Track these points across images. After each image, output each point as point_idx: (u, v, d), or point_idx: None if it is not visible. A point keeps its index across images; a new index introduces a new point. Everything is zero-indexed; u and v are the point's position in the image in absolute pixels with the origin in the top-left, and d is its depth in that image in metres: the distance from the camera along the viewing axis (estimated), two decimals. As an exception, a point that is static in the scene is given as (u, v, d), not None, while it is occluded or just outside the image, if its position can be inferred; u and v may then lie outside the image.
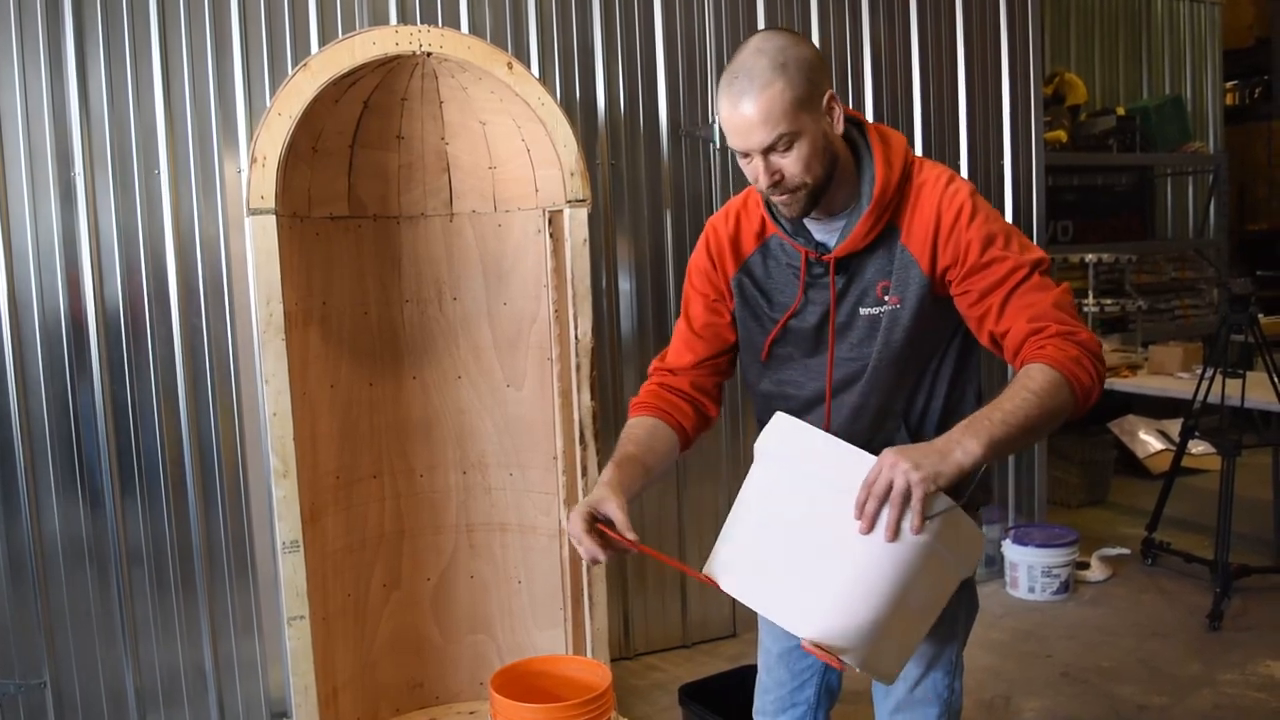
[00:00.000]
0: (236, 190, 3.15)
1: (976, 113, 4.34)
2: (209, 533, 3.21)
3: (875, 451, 1.71)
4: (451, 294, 3.05)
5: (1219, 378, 4.31)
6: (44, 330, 3.01)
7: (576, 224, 2.87)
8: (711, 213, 3.82)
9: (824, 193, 1.71)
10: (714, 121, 3.80)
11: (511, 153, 2.96)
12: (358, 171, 2.95)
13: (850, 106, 1.71)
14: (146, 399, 3.12)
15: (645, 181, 3.73)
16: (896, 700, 1.93)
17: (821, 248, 1.77)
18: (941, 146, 4.29)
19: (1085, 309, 5.70)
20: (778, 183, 1.67)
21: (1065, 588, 4.29)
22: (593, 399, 2.90)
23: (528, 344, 3.02)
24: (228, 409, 3.20)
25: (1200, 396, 4.40)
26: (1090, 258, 5.75)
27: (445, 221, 3.03)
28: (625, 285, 3.74)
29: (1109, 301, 5.81)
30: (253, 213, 2.58)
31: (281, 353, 2.60)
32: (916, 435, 1.82)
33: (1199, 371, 4.55)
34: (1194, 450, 5.55)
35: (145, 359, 3.11)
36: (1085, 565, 4.48)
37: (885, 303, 1.74)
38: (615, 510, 1.64)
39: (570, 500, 2.94)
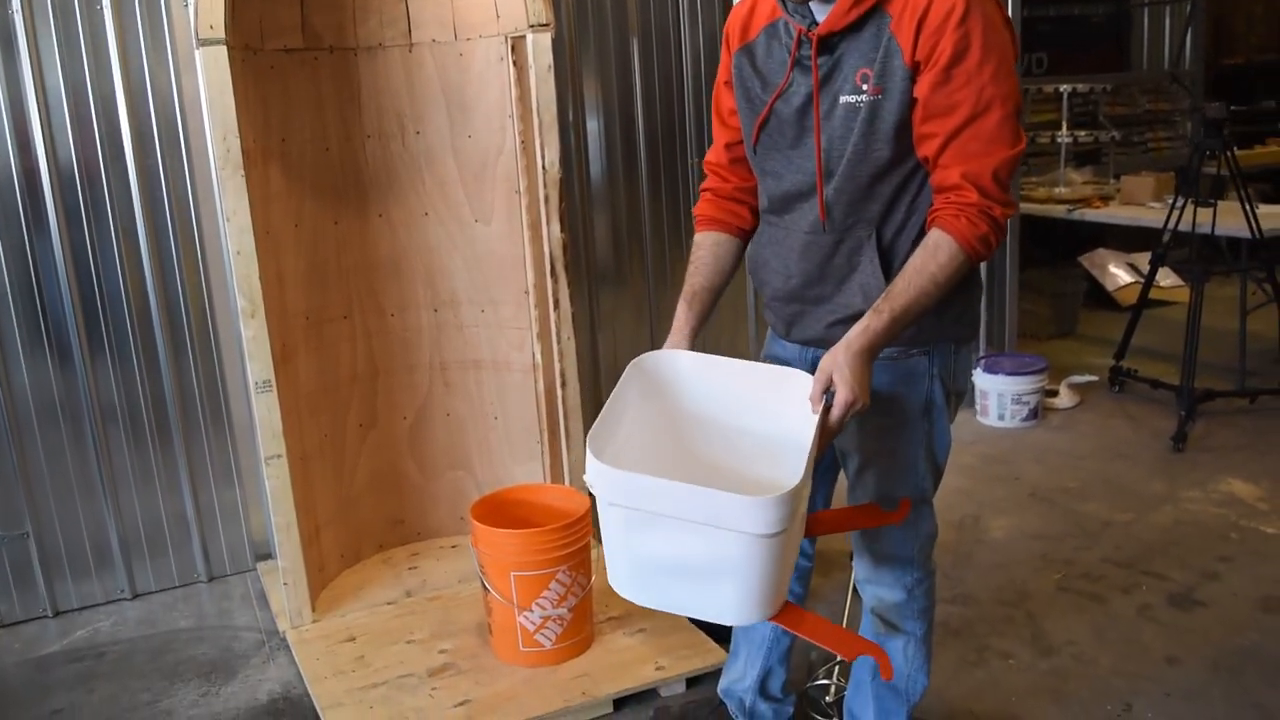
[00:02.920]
0: (185, 29, 3.01)
1: (950, -65, 4.19)
2: (181, 381, 3.19)
3: (840, 264, 1.78)
4: (414, 128, 2.97)
5: (1190, 206, 4.30)
6: (-6, 182, 2.91)
7: (540, 50, 2.78)
8: (681, 43, 3.76)
9: None
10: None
11: (470, -23, 2.85)
12: (310, 1, 2.83)
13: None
14: (107, 248, 3.05)
15: (610, 8, 3.59)
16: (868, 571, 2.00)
17: (816, 26, 1.73)
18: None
19: (1059, 140, 5.65)
20: None
21: (1034, 415, 4.37)
22: (562, 230, 2.87)
23: (494, 177, 2.96)
24: (191, 256, 3.14)
25: (1171, 225, 4.40)
26: (1065, 88, 5.67)
27: (404, 52, 2.93)
28: (593, 125, 3.65)
29: (1082, 133, 5.74)
30: (202, 43, 2.47)
31: (241, 189, 2.53)
32: (886, 253, 1.78)
33: (1170, 201, 4.55)
34: (1163, 282, 5.59)
35: (103, 207, 3.03)
36: (1054, 393, 4.55)
37: (864, 91, 1.69)
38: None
39: (543, 335, 2.94)
